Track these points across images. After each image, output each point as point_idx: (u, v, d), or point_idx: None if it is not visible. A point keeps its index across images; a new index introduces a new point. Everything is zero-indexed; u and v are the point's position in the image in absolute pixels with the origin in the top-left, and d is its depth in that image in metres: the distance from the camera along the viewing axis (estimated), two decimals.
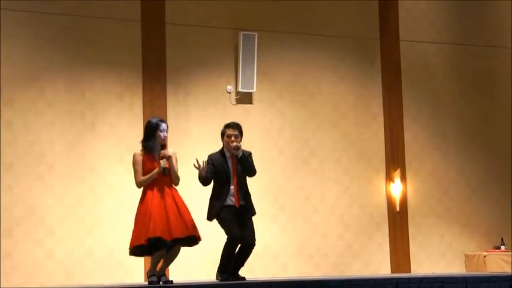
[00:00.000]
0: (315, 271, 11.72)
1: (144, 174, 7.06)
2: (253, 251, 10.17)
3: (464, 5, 13.26)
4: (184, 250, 10.47)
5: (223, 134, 7.48)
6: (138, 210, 7.07)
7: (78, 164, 10.70)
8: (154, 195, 7.00)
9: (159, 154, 7.07)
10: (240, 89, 11.55)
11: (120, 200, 10.55)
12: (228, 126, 7.50)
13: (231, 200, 7.33)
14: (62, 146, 10.65)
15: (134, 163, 7.13)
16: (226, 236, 7.38)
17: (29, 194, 10.41)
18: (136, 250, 6.98)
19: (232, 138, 7.38)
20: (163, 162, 7.01)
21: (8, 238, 10.22)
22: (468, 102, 13.13)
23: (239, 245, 7.38)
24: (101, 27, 10.99)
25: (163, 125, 7.18)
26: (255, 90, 11.63)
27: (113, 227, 10.48)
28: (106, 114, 10.96)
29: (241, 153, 7.36)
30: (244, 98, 11.69)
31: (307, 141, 12.02)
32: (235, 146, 7.33)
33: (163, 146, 7.17)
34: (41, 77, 10.67)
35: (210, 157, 7.43)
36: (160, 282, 7.04)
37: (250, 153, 7.52)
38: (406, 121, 12.67)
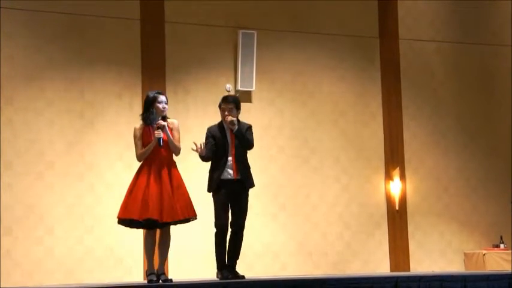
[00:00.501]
0: (314, 270, 11.73)
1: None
2: (253, 249, 10.19)
3: (463, 4, 13.26)
4: (184, 248, 10.49)
5: (219, 107, 7.49)
6: (134, 181, 7.01)
7: (78, 162, 10.72)
8: (152, 170, 6.96)
9: (156, 125, 7.02)
10: (239, 88, 11.56)
11: (120, 198, 10.41)
12: (223, 99, 7.47)
13: (229, 173, 7.30)
14: (61, 144, 10.67)
15: (134, 137, 7.09)
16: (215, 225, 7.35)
17: (29, 192, 10.43)
18: (128, 222, 6.98)
19: (226, 112, 7.36)
20: (157, 133, 6.96)
21: (8, 236, 10.25)
22: (468, 101, 13.13)
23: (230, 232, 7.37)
24: (101, 26, 11.00)
25: (161, 97, 7.13)
26: (254, 88, 11.64)
27: (112, 225, 10.34)
28: (105, 113, 10.97)
29: (236, 128, 7.34)
30: (244, 97, 11.66)
31: (307, 139, 12.03)
32: (230, 121, 7.31)
33: (164, 118, 7.12)
34: (41, 75, 10.69)
35: (209, 130, 7.42)
36: (160, 281, 7.04)
37: (249, 126, 7.47)
38: (406, 120, 12.68)
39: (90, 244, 10.62)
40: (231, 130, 7.35)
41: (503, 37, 13.42)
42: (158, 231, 7.14)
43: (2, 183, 10.29)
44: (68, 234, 10.55)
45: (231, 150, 7.33)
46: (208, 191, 7.42)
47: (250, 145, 7.42)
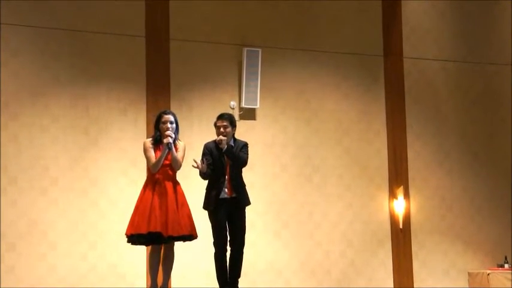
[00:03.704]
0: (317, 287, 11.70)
1: None
2: (256, 267, 10.12)
3: (467, 23, 13.30)
4: (187, 265, 10.45)
5: (215, 125, 7.48)
6: (140, 198, 7.05)
7: (82, 178, 10.72)
8: (157, 187, 7.02)
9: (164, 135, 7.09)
10: (243, 105, 11.57)
11: (124, 214, 10.49)
12: (218, 117, 7.45)
13: (225, 192, 7.30)
14: (66, 160, 10.68)
15: (145, 150, 7.12)
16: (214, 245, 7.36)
17: (33, 208, 10.43)
18: (135, 237, 7.00)
19: (221, 129, 7.36)
20: (166, 140, 7.02)
21: (11, 252, 10.23)
22: (471, 120, 13.13)
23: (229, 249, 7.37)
24: (106, 43, 11.04)
25: (165, 117, 7.17)
26: (258, 106, 11.66)
27: (116, 241, 10.46)
28: (110, 129, 10.99)
29: (225, 147, 7.33)
30: (248, 114, 11.71)
31: (310, 157, 12.03)
32: (218, 140, 7.32)
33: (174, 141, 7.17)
34: (46, 92, 10.72)
35: (206, 146, 7.40)
36: None
37: (245, 144, 7.48)
38: (409, 138, 12.67)
39: (94, 260, 10.60)
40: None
41: (507, 56, 13.44)
42: (162, 248, 7.15)
43: (6, 199, 10.29)
44: (71, 250, 10.53)
45: (226, 168, 7.34)
46: (205, 208, 7.40)
47: (242, 163, 7.40)
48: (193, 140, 11.16)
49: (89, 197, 10.72)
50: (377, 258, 12.18)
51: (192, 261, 10.73)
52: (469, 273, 12.54)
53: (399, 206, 12.35)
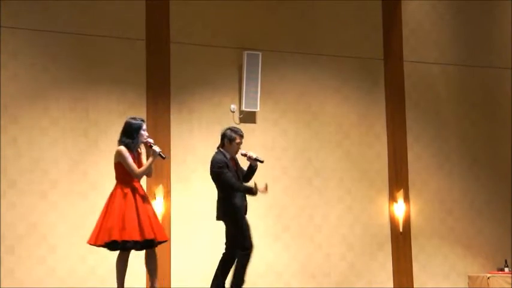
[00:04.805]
0: None
1: None
2: (256, 270, 10.10)
3: (468, 26, 13.30)
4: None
5: (231, 138, 7.56)
6: (121, 204, 7.05)
7: (82, 181, 10.71)
8: (137, 193, 7.10)
9: (147, 143, 7.13)
10: (243, 108, 11.57)
11: None
12: (239, 133, 7.72)
13: (245, 201, 7.66)
14: (65, 163, 10.67)
15: (127, 157, 7.11)
16: (247, 248, 7.49)
17: (32, 211, 10.42)
18: (131, 244, 7.02)
19: (240, 146, 7.70)
20: (158, 148, 7.09)
21: (10, 255, 10.22)
22: (471, 123, 13.13)
23: (226, 253, 7.63)
24: (106, 45, 11.04)
25: (145, 125, 7.30)
26: (258, 109, 11.65)
27: None
28: (110, 132, 10.96)
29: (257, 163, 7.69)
30: (248, 117, 11.71)
31: (311, 160, 12.02)
32: (255, 158, 7.64)
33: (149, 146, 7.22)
34: (46, 94, 10.71)
35: (222, 161, 7.53)
36: None
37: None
38: (410, 141, 12.67)
39: (93, 263, 10.58)
40: (232, 161, 7.60)
41: (508, 60, 13.45)
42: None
43: (6, 202, 10.28)
44: (71, 253, 10.52)
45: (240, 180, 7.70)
46: (234, 217, 7.54)
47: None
48: (193, 142, 11.20)
49: (89, 200, 10.70)
50: (377, 261, 12.17)
51: (191, 262, 10.72)
52: (469, 276, 12.57)
53: (399, 209, 12.34)
